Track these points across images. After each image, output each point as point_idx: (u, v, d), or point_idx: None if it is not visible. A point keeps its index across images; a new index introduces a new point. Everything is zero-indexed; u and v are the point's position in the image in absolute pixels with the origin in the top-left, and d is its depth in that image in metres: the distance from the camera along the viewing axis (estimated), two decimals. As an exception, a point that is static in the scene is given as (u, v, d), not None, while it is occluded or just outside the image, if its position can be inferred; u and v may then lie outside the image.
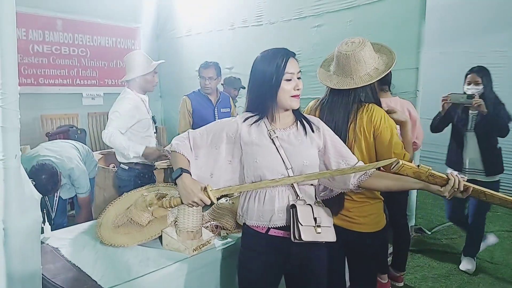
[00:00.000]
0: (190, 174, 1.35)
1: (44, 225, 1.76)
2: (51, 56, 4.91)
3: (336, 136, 1.51)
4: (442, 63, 5.05)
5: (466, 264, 2.99)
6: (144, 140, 2.60)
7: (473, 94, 2.70)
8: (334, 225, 1.63)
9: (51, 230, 1.80)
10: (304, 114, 1.54)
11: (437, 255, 3.30)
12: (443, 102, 2.81)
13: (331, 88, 1.68)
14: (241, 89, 4.11)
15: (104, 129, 2.49)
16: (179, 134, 3.01)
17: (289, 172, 1.38)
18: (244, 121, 1.44)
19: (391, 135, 1.58)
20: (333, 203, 1.60)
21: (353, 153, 1.59)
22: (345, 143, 1.59)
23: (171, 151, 1.43)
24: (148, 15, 5.75)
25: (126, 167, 2.63)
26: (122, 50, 5.64)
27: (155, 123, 2.78)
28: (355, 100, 1.62)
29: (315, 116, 1.71)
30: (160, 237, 1.71)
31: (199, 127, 1.49)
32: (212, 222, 1.90)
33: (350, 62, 1.59)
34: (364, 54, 1.59)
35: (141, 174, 2.65)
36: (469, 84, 2.79)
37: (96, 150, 4.36)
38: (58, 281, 1.36)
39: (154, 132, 2.74)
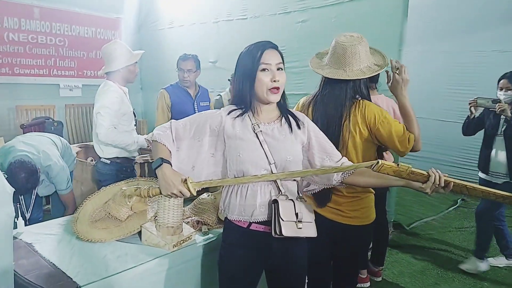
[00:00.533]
0: (171, 165, 1.32)
1: (17, 220, 1.70)
2: (27, 45, 4.76)
3: (321, 132, 1.50)
4: (422, 62, 5.13)
5: (465, 264, 3.03)
6: (128, 134, 2.55)
7: (498, 99, 2.77)
8: (324, 218, 1.68)
9: (25, 226, 1.74)
10: (290, 109, 1.51)
11: (415, 250, 3.37)
12: (470, 105, 2.91)
13: (323, 82, 1.68)
14: None
15: (96, 128, 2.42)
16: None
17: (272, 167, 1.36)
18: (228, 114, 1.42)
19: (389, 127, 1.58)
20: (321, 195, 1.61)
21: (347, 150, 1.59)
22: (338, 139, 1.60)
23: (152, 140, 1.40)
24: (130, 6, 5.64)
25: (108, 161, 2.56)
26: (102, 41, 5.50)
27: (135, 117, 2.72)
28: (347, 96, 1.61)
29: (308, 111, 1.70)
30: (140, 233, 1.67)
31: None
32: (193, 218, 1.87)
33: (346, 54, 1.59)
34: (361, 49, 1.60)
35: (123, 168, 2.60)
36: (501, 89, 2.85)
37: (74, 143, 4.24)
38: (31, 278, 1.31)
39: (134, 125, 2.69)
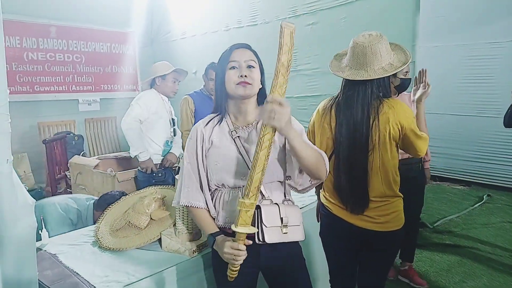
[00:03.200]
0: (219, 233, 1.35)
1: (41, 232, 1.75)
2: (46, 63, 4.91)
3: (301, 128, 1.40)
4: (437, 57, 5.05)
5: None
6: (160, 137, 2.91)
7: None
8: (351, 225, 1.62)
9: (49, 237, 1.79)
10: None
11: (439, 248, 3.29)
12: None
13: (344, 84, 1.63)
14: None
15: (124, 116, 2.78)
16: (181, 132, 3.09)
17: None
18: (206, 124, 1.42)
19: (414, 131, 1.56)
20: (357, 202, 1.59)
21: (378, 151, 1.55)
22: (367, 141, 1.55)
23: (187, 206, 1.40)
24: (141, 19, 5.75)
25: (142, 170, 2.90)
26: (117, 55, 5.64)
27: (174, 125, 3.04)
28: (373, 95, 1.56)
29: (330, 115, 1.65)
30: (160, 240, 1.69)
31: None
32: (211, 223, 1.88)
33: (366, 54, 1.54)
34: (381, 47, 1.55)
35: (158, 175, 2.89)
36: None
37: (94, 155, 4.34)
38: (56, 288, 1.35)
39: (171, 131, 3.02)
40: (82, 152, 4.25)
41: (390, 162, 1.59)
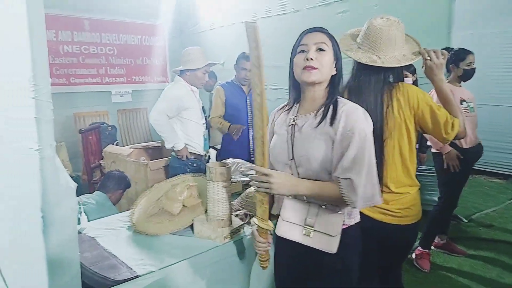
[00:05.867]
0: None
1: (80, 216, 1.82)
2: (81, 56, 5.06)
3: (361, 145, 1.20)
4: (474, 45, 4.81)
5: None
6: (195, 128, 2.89)
7: None
8: (370, 219, 1.57)
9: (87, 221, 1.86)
10: (340, 100, 1.29)
11: (474, 243, 3.19)
12: None
13: (357, 68, 1.59)
14: None
15: (151, 111, 2.79)
16: (211, 118, 3.20)
17: (292, 164, 1.29)
18: (281, 108, 1.45)
19: (431, 111, 1.49)
20: None
21: (394, 140, 1.52)
22: (382, 129, 1.51)
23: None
24: (170, 11, 5.81)
25: (175, 155, 2.89)
26: (147, 47, 5.74)
27: (204, 114, 3.05)
28: (385, 81, 1.52)
29: None
30: (192, 226, 1.72)
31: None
32: (241, 211, 1.90)
33: (382, 39, 1.48)
34: (397, 34, 1.49)
35: (193, 164, 2.88)
36: None
37: (127, 145, 4.46)
38: (95, 269, 1.40)
39: (203, 123, 2.99)
40: (116, 142, 4.38)
41: (407, 148, 1.54)
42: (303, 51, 1.27)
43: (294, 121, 1.33)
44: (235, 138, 3.03)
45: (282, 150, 1.33)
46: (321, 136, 1.25)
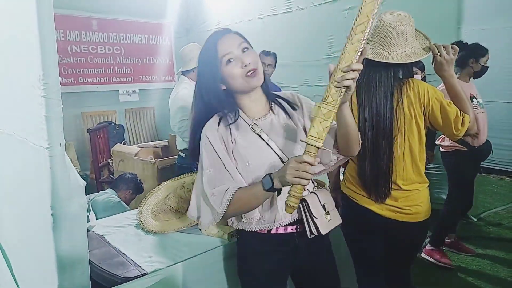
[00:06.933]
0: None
1: (89, 214, 1.84)
2: (89, 56, 5.10)
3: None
4: (484, 41, 4.76)
5: None
6: None
7: None
8: (379, 216, 1.57)
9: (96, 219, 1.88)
10: (273, 92, 1.31)
11: (483, 242, 3.16)
12: None
13: (366, 64, 1.53)
14: None
15: (170, 120, 2.75)
16: None
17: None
18: (219, 125, 1.23)
19: (442, 107, 1.47)
20: (379, 190, 1.53)
21: (404, 137, 1.49)
22: (392, 126, 1.49)
23: (229, 203, 1.16)
24: (176, 10, 5.83)
25: (183, 154, 2.85)
26: (154, 47, 5.77)
27: None
28: (395, 77, 1.51)
29: (351, 98, 1.56)
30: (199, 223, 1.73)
31: None
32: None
33: (392, 34, 1.46)
34: (408, 29, 1.47)
35: (197, 162, 2.82)
36: None
37: (134, 144, 4.49)
38: (104, 266, 1.42)
39: None
40: (123, 141, 4.41)
41: (417, 145, 1.53)
42: (230, 60, 1.17)
43: (257, 126, 1.24)
44: None
45: (267, 157, 1.22)
46: (297, 124, 1.28)
